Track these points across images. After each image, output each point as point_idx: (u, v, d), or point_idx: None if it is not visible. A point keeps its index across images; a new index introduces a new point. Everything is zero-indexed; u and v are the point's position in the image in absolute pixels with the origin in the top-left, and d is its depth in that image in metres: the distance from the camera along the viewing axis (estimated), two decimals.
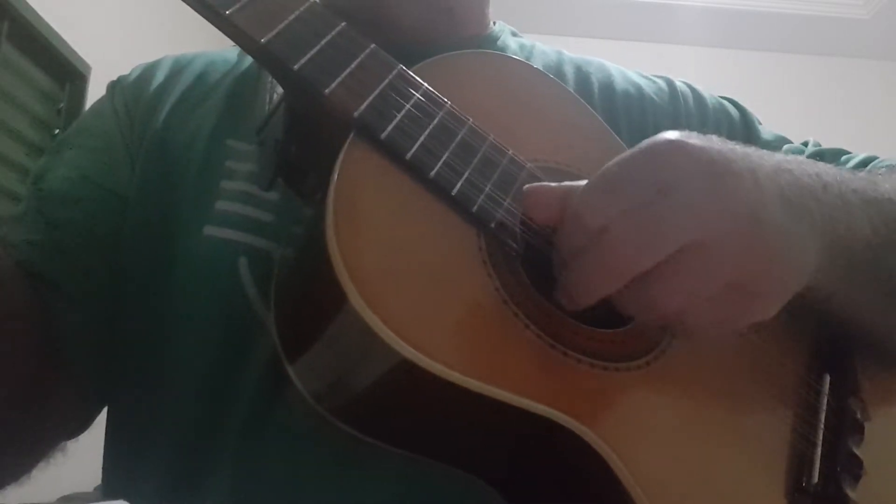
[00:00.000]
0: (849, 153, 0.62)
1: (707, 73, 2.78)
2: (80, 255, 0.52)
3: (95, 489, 0.61)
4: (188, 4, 0.39)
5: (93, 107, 0.61)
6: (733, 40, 2.86)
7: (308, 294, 0.41)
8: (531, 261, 0.42)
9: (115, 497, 0.53)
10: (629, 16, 2.82)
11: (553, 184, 0.41)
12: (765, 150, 0.43)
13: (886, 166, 0.56)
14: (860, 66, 2.90)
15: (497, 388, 0.35)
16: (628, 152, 0.38)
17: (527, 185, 0.41)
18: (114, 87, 0.60)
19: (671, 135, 0.38)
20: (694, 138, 0.38)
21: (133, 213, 0.54)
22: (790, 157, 0.44)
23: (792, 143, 0.63)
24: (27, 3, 1.74)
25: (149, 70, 0.61)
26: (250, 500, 0.46)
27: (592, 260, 0.37)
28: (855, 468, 0.45)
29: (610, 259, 0.37)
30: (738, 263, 0.37)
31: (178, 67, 0.60)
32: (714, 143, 0.38)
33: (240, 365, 0.49)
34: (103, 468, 0.54)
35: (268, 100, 0.54)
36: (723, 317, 0.38)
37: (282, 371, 0.39)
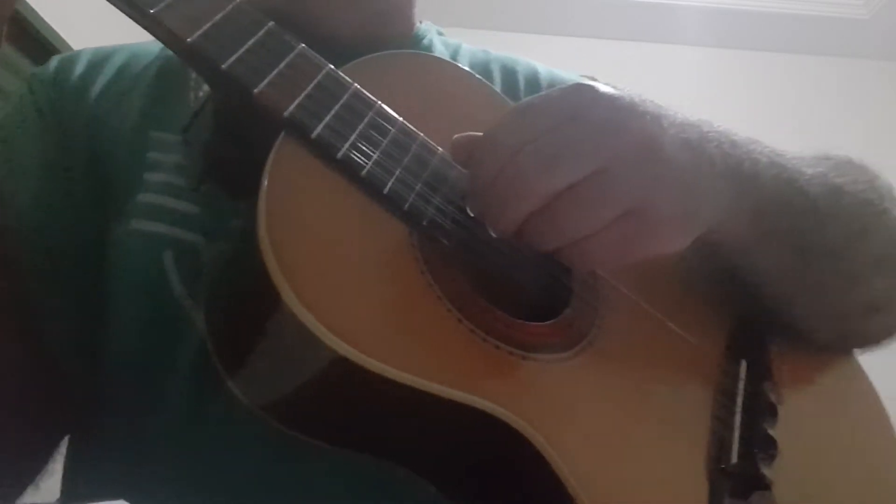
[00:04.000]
0: None
1: (707, 73, 2.79)
2: (53, 271, 0.51)
3: (63, 482, 0.61)
4: (113, 4, 0.39)
5: (12, 110, 0.58)
6: (733, 40, 2.86)
7: (241, 295, 0.40)
8: (464, 256, 0.43)
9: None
10: (629, 16, 2.82)
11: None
12: (677, 111, 0.45)
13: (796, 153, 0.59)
14: (860, 66, 2.90)
15: (431, 381, 0.36)
16: (543, 91, 0.41)
17: (453, 137, 0.43)
18: (31, 82, 0.58)
19: (582, 79, 0.41)
20: (604, 85, 0.41)
21: (68, 209, 0.53)
22: (703, 119, 0.46)
23: None
24: (27, 3, 1.74)
25: (67, 62, 0.59)
26: (193, 494, 0.46)
27: (506, 181, 0.39)
28: (770, 448, 0.47)
29: (521, 179, 0.38)
30: (635, 190, 0.39)
31: (97, 62, 0.59)
32: (623, 91, 0.41)
33: (168, 358, 0.48)
34: (63, 469, 0.54)
35: (193, 97, 0.54)
36: (621, 245, 0.40)
37: (212, 364, 0.39)
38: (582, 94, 0.40)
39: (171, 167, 0.52)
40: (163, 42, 0.41)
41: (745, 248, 0.47)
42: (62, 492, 0.54)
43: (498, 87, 0.60)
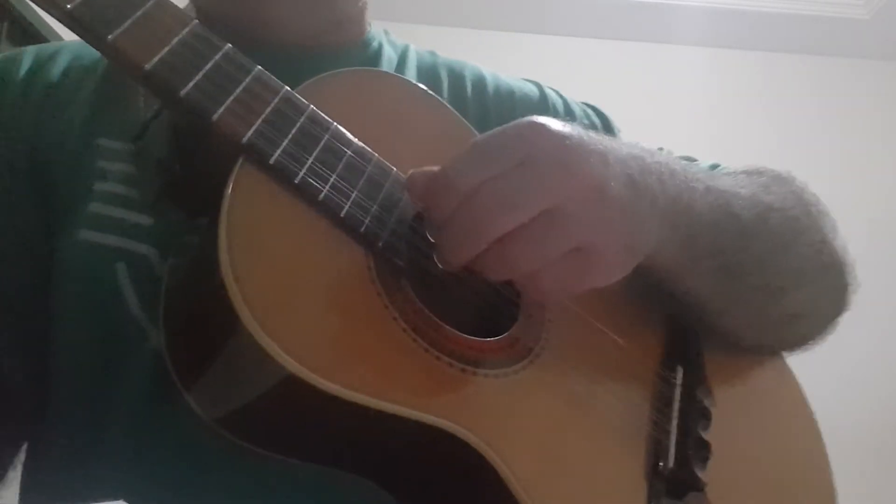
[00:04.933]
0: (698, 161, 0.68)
1: (707, 73, 2.78)
2: None
3: (20, 495, 0.61)
4: (69, 28, 0.38)
5: None
6: (733, 40, 2.85)
7: (199, 313, 0.41)
8: (418, 278, 0.45)
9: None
10: (629, 16, 2.82)
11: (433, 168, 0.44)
12: (622, 141, 0.49)
13: (730, 171, 0.63)
14: (860, 66, 2.89)
15: (386, 401, 0.38)
16: (497, 129, 0.43)
17: (409, 172, 0.44)
18: None
19: (535, 117, 0.43)
20: (555, 123, 0.43)
21: (8, 217, 0.52)
22: (646, 148, 0.49)
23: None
24: (27, 3, 1.74)
25: (8, 63, 0.57)
26: (141, 497, 0.45)
27: (461, 221, 0.41)
28: (704, 451, 0.50)
29: (476, 220, 0.40)
30: (583, 229, 0.42)
31: (41, 60, 0.57)
32: (573, 128, 0.44)
33: (120, 371, 0.48)
34: (21, 478, 0.54)
35: (142, 102, 0.52)
36: (569, 278, 0.43)
37: (167, 376, 0.40)
38: (531, 136, 0.42)
39: (121, 176, 0.51)
40: (119, 66, 0.40)
41: (677, 270, 0.51)
42: (19, 501, 0.53)
43: (445, 92, 0.63)
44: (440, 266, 0.43)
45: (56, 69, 0.57)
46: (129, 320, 0.48)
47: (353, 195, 0.43)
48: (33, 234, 0.51)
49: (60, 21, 0.38)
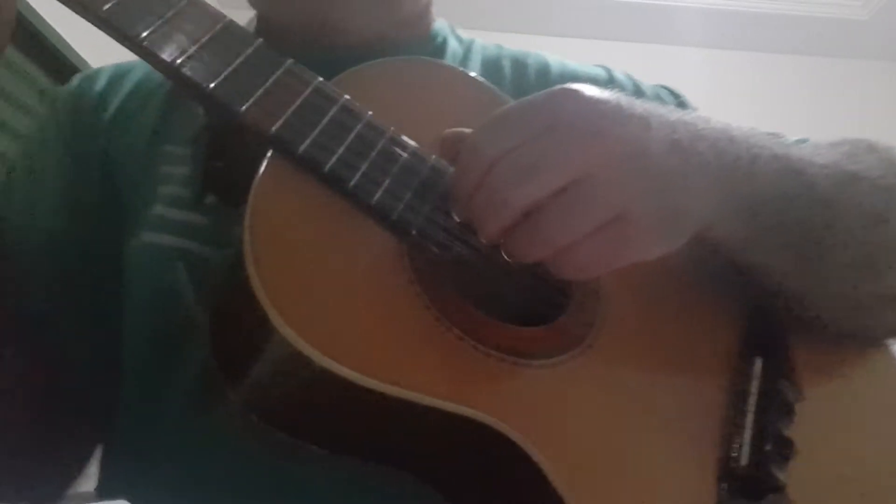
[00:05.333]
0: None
1: (707, 74, 2.78)
2: (71, 287, 0.52)
3: (96, 489, 0.63)
4: (102, 30, 0.39)
5: (36, 125, 0.60)
6: (733, 41, 2.86)
7: (234, 306, 0.41)
8: (454, 264, 0.43)
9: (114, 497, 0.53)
10: (629, 16, 2.82)
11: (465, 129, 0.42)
12: (676, 109, 0.45)
13: (813, 143, 0.57)
14: (860, 66, 2.90)
15: (421, 393, 0.37)
16: (527, 97, 0.40)
17: (444, 132, 0.43)
18: (53, 99, 0.60)
19: (569, 84, 0.40)
20: (589, 88, 0.40)
21: (84, 224, 0.54)
22: (705, 117, 0.45)
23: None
24: (27, 3, 1.74)
25: (87, 79, 0.60)
26: (192, 494, 0.47)
27: (485, 193, 0.39)
28: (784, 450, 0.46)
29: (498, 191, 0.38)
30: (617, 197, 0.38)
31: (116, 77, 0.60)
32: (611, 93, 0.40)
33: (177, 366, 0.49)
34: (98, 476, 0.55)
35: (202, 110, 0.54)
36: (605, 252, 0.40)
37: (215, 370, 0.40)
38: (562, 101, 0.39)
39: (181, 179, 0.52)
40: (152, 66, 0.41)
41: (744, 245, 0.46)
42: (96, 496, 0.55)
43: (508, 82, 0.60)
44: (480, 241, 0.41)
45: (128, 84, 0.60)
46: (187, 318, 0.49)
47: (386, 183, 0.42)
48: (105, 239, 0.53)
49: (97, 27, 0.39)
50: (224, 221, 0.49)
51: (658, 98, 0.65)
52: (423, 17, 0.64)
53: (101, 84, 0.60)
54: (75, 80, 0.61)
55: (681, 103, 0.65)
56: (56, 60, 1.91)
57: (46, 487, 0.51)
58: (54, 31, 1.85)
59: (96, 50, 1.99)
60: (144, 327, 0.50)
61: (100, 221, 0.54)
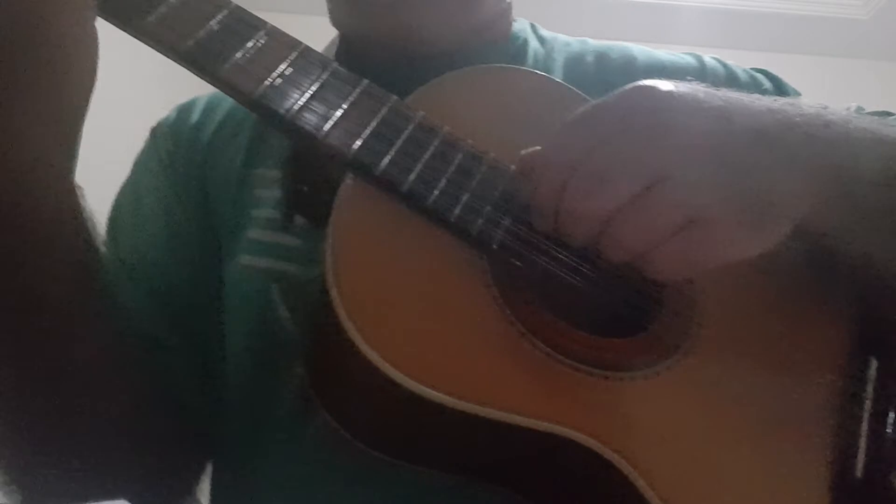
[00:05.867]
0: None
1: None
2: (178, 312, 0.54)
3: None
4: (179, 63, 0.40)
5: (140, 159, 0.62)
6: (733, 40, 2.85)
7: (322, 326, 0.41)
8: (538, 276, 0.42)
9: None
10: (629, 16, 2.82)
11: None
12: (763, 97, 0.42)
13: None
14: (860, 66, 2.90)
15: (511, 413, 0.36)
16: (601, 98, 0.39)
17: (520, 153, 0.42)
18: (155, 132, 0.62)
19: (643, 81, 0.38)
20: (664, 83, 0.38)
21: (185, 251, 0.55)
22: (796, 102, 0.43)
23: None
24: None
25: (184, 111, 0.62)
26: None
27: (562, 205, 0.38)
28: None
29: (575, 202, 0.38)
30: (697, 197, 0.37)
31: (211, 107, 0.62)
32: (688, 86, 0.39)
33: (277, 384, 0.50)
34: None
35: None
36: (689, 254, 0.38)
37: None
38: (633, 99, 0.38)
39: (273, 202, 0.53)
40: (232, 98, 0.42)
41: (846, 235, 0.43)
42: None
43: (592, 78, 0.59)
44: (563, 251, 0.40)
45: (221, 112, 0.61)
46: (284, 337, 0.50)
47: (464, 198, 0.42)
48: (204, 264, 0.55)
49: (178, 63, 0.40)
50: (314, 242, 0.49)
51: (754, 82, 0.63)
52: (503, 18, 0.63)
53: (196, 115, 0.61)
54: (173, 113, 0.63)
55: (778, 86, 0.64)
56: None
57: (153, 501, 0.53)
58: None
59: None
60: (246, 347, 0.52)
61: (201, 248, 0.55)
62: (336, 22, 0.60)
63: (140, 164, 0.62)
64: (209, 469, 0.57)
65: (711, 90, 0.40)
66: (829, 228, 0.42)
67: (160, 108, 0.64)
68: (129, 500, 0.47)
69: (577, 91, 0.52)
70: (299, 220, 0.50)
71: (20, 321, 0.43)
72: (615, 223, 0.37)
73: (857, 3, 2.73)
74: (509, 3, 0.65)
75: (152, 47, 0.40)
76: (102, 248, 0.47)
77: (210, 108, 0.62)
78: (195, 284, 0.55)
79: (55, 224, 0.42)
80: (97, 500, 0.46)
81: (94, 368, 0.46)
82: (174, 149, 0.60)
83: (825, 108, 0.44)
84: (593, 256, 0.40)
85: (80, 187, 0.44)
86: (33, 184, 0.40)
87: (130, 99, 1.66)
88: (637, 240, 0.37)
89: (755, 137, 0.39)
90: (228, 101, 0.62)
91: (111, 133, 0.93)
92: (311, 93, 0.41)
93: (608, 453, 0.37)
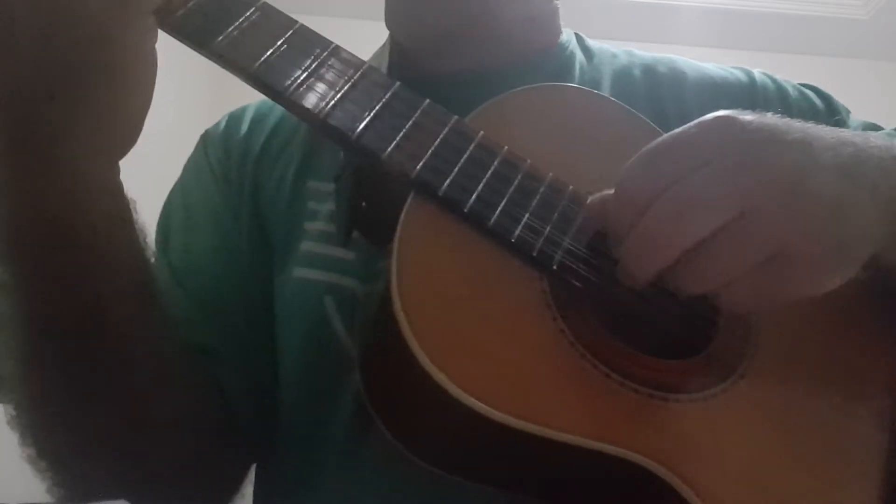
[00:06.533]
0: None
1: None
2: (228, 321, 0.54)
3: None
4: (252, 86, 0.41)
5: (190, 166, 0.62)
6: (733, 40, 2.85)
7: (383, 343, 0.42)
8: (597, 297, 0.43)
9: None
10: (629, 16, 2.82)
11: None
12: (831, 127, 0.42)
13: None
14: (860, 66, 2.90)
15: (568, 433, 0.36)
16: (677, 129, 0.38)
17: (588, 199, 0.42)
18: (205, 140, 0.62)
19: (721, 112, 0.38)
20: (744, 114, 0.38)
21: (236, 262, 0.56)
22: (862, 133, 0.43)
23: (883, 129, 0.60)
24: None
25: (234, 120, 0.63)
26: None
27: (642, 234, 0.37)
28: None
29: (656, 233, 0.37)
30: (780, 232, 0.36)
31: (260, 116, 0.62)
32: (768, 118, 0.38)
33: (333, 398, 0.50)
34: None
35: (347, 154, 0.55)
36: (769, 288, 0.38)
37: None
38: (715, 131, 0.38)
39: (327, 215, 0.54)
40: (297, 117, 0.43)
41: None
42: None
43: (641, 93, 0.59)
44: (624, 284, 0.40)
45: (271, 121, 0.61)
46: (338, 351, 0.50)
47: (525, 219, 0.42)
48: (255, 275, 0.55)
49: (246, 82, 0.41)
50: (370, 257, 0.50)
51: (806, 101, 0.62)
52: (553, 21, 0.64)
53: (246, 124, 0.61)
54: (223, 122, 0.63)
55: (830, 106, 0.62)
56: None
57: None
58: None
59: None
60: (300, 360, 0.52)
61: (251, 258, 0.56)
62: (391, 24, 0.59)
63: (190, 172, 0.62)
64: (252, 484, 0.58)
65: (789, 121, 0.39)
66: None
67: (200, 116, 0.64)
68: None
69: (633, 111, 0.52)
70: (356, 235, 0.50)
71: (85, 346, 0.43)
72: (696, 256, 0.37)
73: (857, 3, 2.73)
74: (556, 8, 0.65)
75: (222, 67, 0.41)
76: (153, 259, 0.47)
77: (259, 117, 0.62)
78: (246, 296, 0.55)
79: (111, 241, 0.42)
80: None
81: (149, 380, 0.47)
82: (225, 159, 0.60)
83: (893, 140, 0.44)
84: (668, 288, 0.40)
85: (133, 200, 0.45)
86: (88, 202, 0.41)
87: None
88: (718, 272, 0.37)
89: (836, 170, 0.38)
90: (278, 110, 0.61)
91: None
92: (375, 112, 0.42)
93: (667, 475, 0.37)
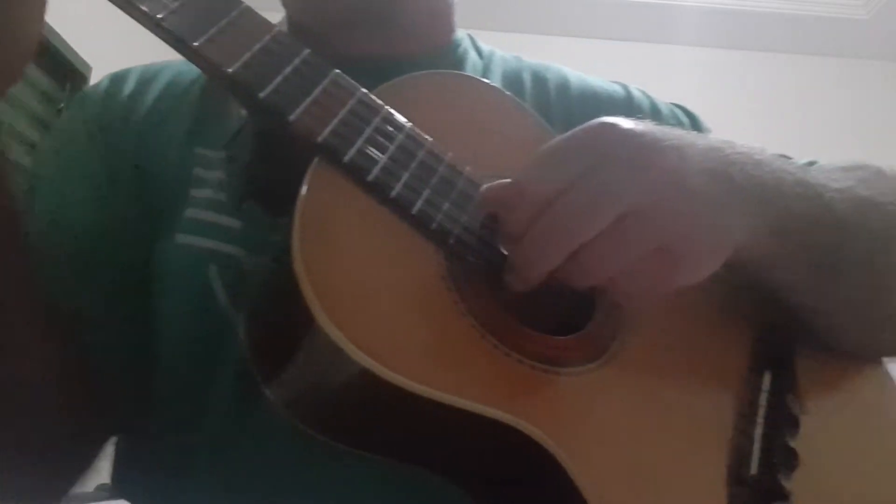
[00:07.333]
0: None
1: (707, 74, 2.79)
2: (101, 283, 0.53)
3: (96, 489, 0.62)
4: (159, 37, 0.41)
5: (63, 126, 0.61)
6: (733, 40, 2.86)
7: (278, 308, 0.42)
8: (490, 273, 0.44)
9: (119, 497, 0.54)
10: (629, 16, 2.82)
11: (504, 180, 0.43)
12: (700, 135, 0.48)
13: (825, 167, 0.60)
14: (860, 66, 2.90)
15: (454, 395, 0.38)
16: (567, 133, 0.42)
17: (482, 187, 0.44)
18: (83, 100, 0.60)
19: (605, 118, 0.42)
20: (626, 122, 0.42)
21: (113, 223, 0.54)
22: (728, 140, 0.47)
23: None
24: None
25: (117, 80, 0.61)
26: (229, 493, 0.47)
27: (539, 234, 0.40)
28: (790, 460, 0.48)
29: (554, 232, 0.40)
30: (664, 228, 0.40)
31: (146, 79, 0.61)
32: (646, 125, 0.42)
33: (213, 368, 0.49)
34: (112, 470, 0.56)
35: (236, 113, 0.54)
36: (655, 279, 0.42)
37: (252, 372, 0.41)
38: (607, 135, 0.41)
39: (215, 183, 0.53)
40: (203, 71, 0.43)
41: (770, 265, 0.48)
42: (110, 489, 0.55)
43: (528, 96, 0.62)
44: (515, 283, 0.42)
45: (158, 86, 0.60)
46: (220, 319, 0.49)
47: (425, 193, 0.43)
48: (133, 239, 0.54)
49: (152, 31, 0.40)
50: (259, 226, 0.49)
51: (675, 118, 0.66)
52: (450, 18, 0.65)
53: (130, 85, 0.60)
54: (104, 81, 0.62)
55: (695, 124, 0.67)
56: (56, 61, 1.92)
57: (62, 480, 0.52)
58: (54, 31, 1.85)
59: (97, 51, 1.99)
60: (180, 328, 0.51)
61: (129, 221, 0.54)
62: (293, 6, 0.60)
63: (64, 130, 0.60)
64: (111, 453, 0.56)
65: (664, 129, 0.43)
66: (761, 257, 0.47)
67: None
68: (23, 470, 0.47)
69: (524, 105, 0.55)
70: (248, 203, 0.50)
71: None
72: (587, 251, 0.40)
73: (857, 3, 2.74)
74: (453, 4, 0.66)
75: (128, 13, 0.40)
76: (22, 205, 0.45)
77: (145, 79, 0.61)
78: (123, 258, 0.53)
79: None
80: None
81: (17, 339, 0.45)
82: (105, 117, 0.58)
83: (751, 147, 0.48)
84: (559, 281, 0.42)
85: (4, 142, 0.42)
86: None
87: None
88: (607, 266, 0.40)
89: (706, 173, 0.42)
90: (166, 75, 0.61)
91: None
92: (285, 75, 0.42)
93: (543, 438, 0.39)
